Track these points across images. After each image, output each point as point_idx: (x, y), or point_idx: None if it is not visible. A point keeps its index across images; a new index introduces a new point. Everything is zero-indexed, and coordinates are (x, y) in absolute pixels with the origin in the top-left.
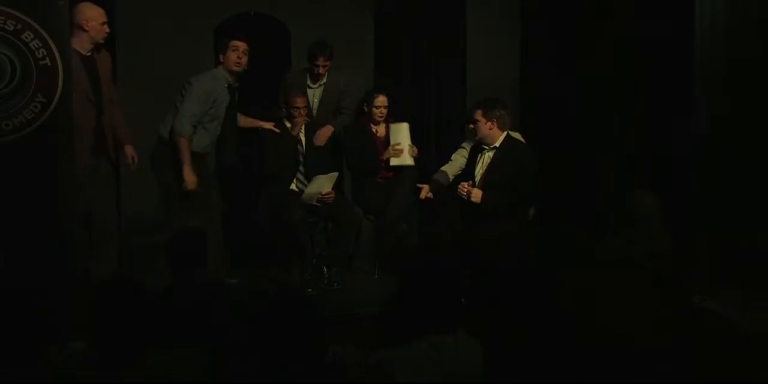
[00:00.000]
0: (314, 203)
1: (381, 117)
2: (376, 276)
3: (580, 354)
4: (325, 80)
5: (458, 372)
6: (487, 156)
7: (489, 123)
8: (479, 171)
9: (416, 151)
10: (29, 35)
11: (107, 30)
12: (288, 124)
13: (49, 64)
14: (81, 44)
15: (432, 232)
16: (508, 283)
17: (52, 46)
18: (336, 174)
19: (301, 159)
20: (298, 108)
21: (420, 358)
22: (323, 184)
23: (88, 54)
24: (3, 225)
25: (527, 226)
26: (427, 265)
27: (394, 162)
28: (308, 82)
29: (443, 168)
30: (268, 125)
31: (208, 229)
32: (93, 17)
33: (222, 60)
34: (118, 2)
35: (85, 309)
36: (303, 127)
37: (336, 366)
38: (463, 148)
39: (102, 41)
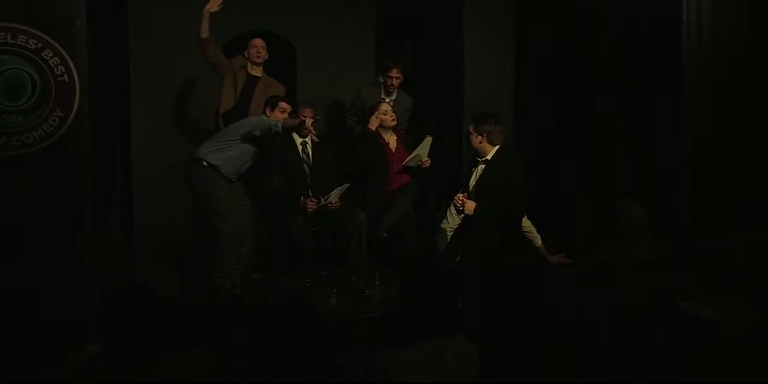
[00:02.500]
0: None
1: (394, 122)
2: (377, 282)
3: (570, 356)
4: (395, 96)
5: (456, 373)
6: (480, 168)
7: (480, 137)
8: (472, 183)
9: (427, 164)
10: (49, 53)
11: (258, 52)
12: (296, 138)
13: (67, 80)
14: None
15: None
16: (502, 288)
17: (70, 63)
18: (347, 185)
19: (307, 170)
20: (306, 118)
21: (421, 358)
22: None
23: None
24: (22, 234)
25: (520, 236)
26: (426, 272)
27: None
28: (382, 96)
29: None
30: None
31: (237, 234)
32: (249, 45)
33: (246, 55)
34: (131, 23)
35: (105, 313)
36: (310, 142)
37: (339, 368)
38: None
39: (255, 61)
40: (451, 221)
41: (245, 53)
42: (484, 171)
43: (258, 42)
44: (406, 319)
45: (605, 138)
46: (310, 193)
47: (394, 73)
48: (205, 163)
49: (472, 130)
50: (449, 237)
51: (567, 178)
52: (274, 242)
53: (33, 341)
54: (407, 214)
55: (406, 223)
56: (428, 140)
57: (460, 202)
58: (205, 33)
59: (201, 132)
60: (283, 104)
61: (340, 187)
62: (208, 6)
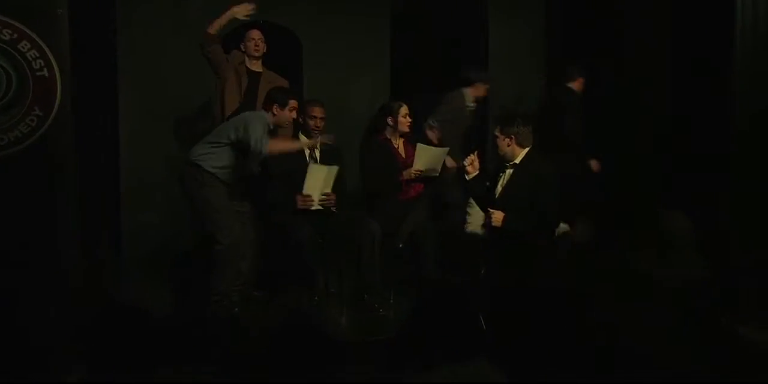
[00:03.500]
0: (316, 206)
1: (410, 127)
2: (391, 300)
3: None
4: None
5: None
6: (507, 173)
7: (507, 139)
8: (499, 189)
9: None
10: (26, 45)
11: (255, 44)
12: (303, 140)
13: (46, 75)
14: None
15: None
16: (533, 307)
17: (50, 56)
18: (336, 168)
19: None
20: (315, 117)
21: None
22: (322, 179)
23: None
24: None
25: (552, 247)
26: (444, 289)
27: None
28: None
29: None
30: (303, 143)
31: (236, 246)
32: (245, 38)
33: (243, 49)
34: (118, 14)
35: (90, 333)
36: (318, 145)
37: None
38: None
39: (254, 54)
40: (475, 217)
41: (242, 47)
42: (512, 176)
43: (255, 34)
44: (423, 341)
45: (645, 142)
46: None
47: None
48: (200, 167)
49: (498, 132)
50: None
51: (603, 185)
52: (278, 255)
53: (10, 363)
54: (424, 224)
55: (424, 234)
56: (444, 151)
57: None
58: (214, 30)
59: (197, 132)
60: (293, 102)
61: (328, 168)
62: (237, 9)
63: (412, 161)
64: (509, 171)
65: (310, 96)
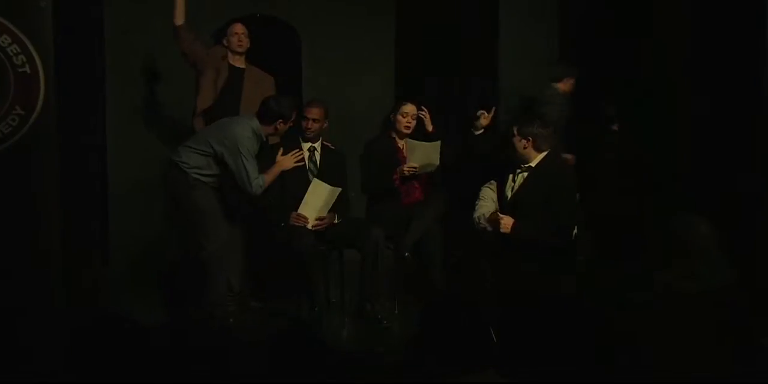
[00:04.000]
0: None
1: (408, 129)
2: (396, 311)
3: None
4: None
5: None
6: (521, 176)
7: (524, 141)
8: (510, 194)
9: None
10: (6, 40)
11: (239, 40)
12: (302, 142)
13: (28, 72)
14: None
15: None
16: (544, 318)
17: (33, 52)
18: (339, 190)
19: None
20: (308, 119)
21: None
22: (322, 199)
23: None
24: None
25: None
26: (453, 299)
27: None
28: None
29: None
30: (290, 161)
31: (232, 252)
32: (227, 33)
33: (225, 44)
34: (106, 8)
35: (76, 346)
36: (319, 149)
37: None
38: (488, 187)
39: (238, 50)
40: (483, 207)
41: (224, 41)
42: (526, 180)
43: (239, 28)
44: (430, 354)
45: (665, 144)
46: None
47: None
48: (183, 168)
49: (515, 133)
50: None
51: (618, 189)
52: (276, 262)
53: None
54: (431, 230)
55: (431, 241)
56: (436, 145)
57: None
58: (179, 19)
59: (188, 132)
60: (233, 28)
61: (331, 188)
62: None
63: None
64: (522, 175)
65: (309, 95)
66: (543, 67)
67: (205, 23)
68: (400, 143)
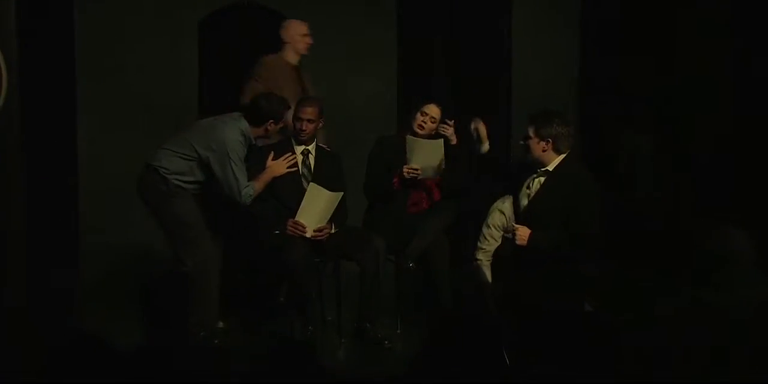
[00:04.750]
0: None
1: (421, 128)
2: (399, 330)
3: None
4: None
5: None
6: (537, 182)
7: (542, 143)
8: (525, 201)
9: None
10: None
11: (308, 41)
12: (295, 145)
13: None
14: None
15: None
16: (561, 337)
17: None
18: (340, 194)
19: (306, 187)
20: (302, 120)
21: None
22: (320, 206)
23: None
24: None
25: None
26: (462, 317)
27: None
28: None
29: (480, 253)
30: (282, 167)
31: (207, 267)
32: (294, 31)
33: (269, 128)
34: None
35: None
36: (313, 152)
37: None
38: (499, 210)
39: (305, 52)
40: (487, 246)
41: (288, 43)
42: (544, 185)
43: (306, 28)
44: (436, 378)
45: (698, 148)
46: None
47: None
48: (162, 173)
49: (532, 134)
50: (488, 272)
51: (646, 196)
52: (266, 276)
53: None
54: (438, 241)
55: (437, 254)
56: (438, 143)
57: (512, 229)
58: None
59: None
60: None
61: (331, 194)
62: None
63: None
64: (539, 180)
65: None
66: (560, 55)
67: (193, 10)
68: None
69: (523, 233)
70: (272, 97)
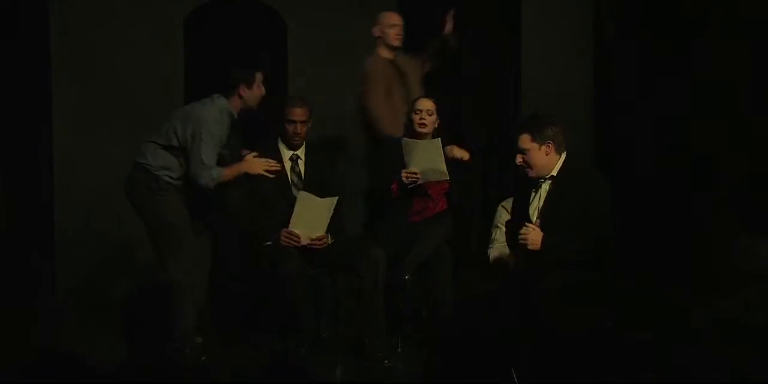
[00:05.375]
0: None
1: (423, 127)
2: (399, 349)
3: None
4: None
5: None
6: (544, 189)
7: (544, 147)
8: (535, 209)
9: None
10: None
11: (398, 32)
12: (284, 150)
13: None
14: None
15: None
16: (576, 354)
17: None
18: (335, 200)
19: (296, 194)
20: (294, 122)
21: None
22: (315, 214)
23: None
24: None
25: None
26: (467, 334)
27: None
28: None
29: (494, 246)
30: (259, 166)
31: (191, 273)
32: (382, 23)
33: (242, 93)
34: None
35: None
36: (303, 157)
37: None
38: (504, 208)
39: (397, 43)
40: (499, 237)
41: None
42: (551, 191)
43: (396, 18)
44: None
45: (720, 153)
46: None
47: None
48: (150, 170)
49: (530, 142)
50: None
51: (664, 205)
52: (257, 289)
53: None
54: (440, 252)
55: (438, 265)
56: (436, 143)
57: (522, 235)
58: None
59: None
60: (259, 76)
61: (323, 200)
62: None
63: None
64: (545, 186)
65: (296, 89)
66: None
67: (179, 6)
68: None
69: (534, 236)
70: (237, 65)
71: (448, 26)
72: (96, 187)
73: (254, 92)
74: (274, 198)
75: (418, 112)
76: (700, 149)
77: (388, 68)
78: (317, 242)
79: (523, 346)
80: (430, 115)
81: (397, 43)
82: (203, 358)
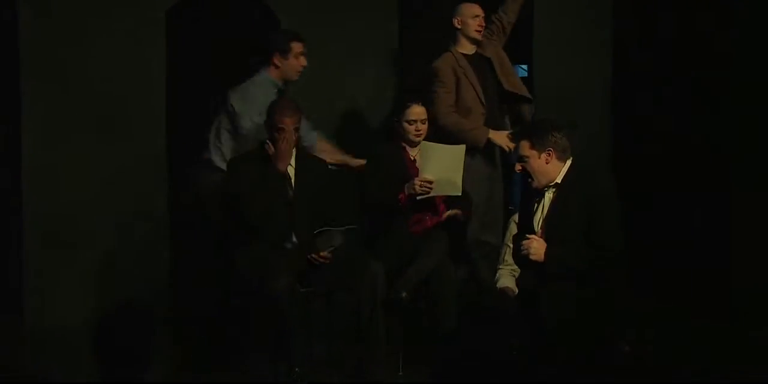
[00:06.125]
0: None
1: (419, 136)
2: (401, 373)
3: None
4: None
5: None
6: (547, 198)
7: (544, 155)
8: (539, 219)
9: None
10: None
11: (480, 23)
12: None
13: None
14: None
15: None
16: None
17: None
18: (354, 227)
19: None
20: (282, 129)
21: None
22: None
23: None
24: None
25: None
26: (470, 355)
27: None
28: None
29: (503, 268)
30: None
31: None
32: (463, 14)
33: (277, 64)
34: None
35: None
36: (294, 164)
37: None
38: (514, 222)
39: (477, 36)
40: (509, 258)
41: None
42: (555, 199)
43: (478, 9)
44: None
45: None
46: (294, 240)
47: None
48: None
49: (529, 149)
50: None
51: (691, 214)
52: (244, 310)
53: None
54: (442, 266)
55: (441, 281)
56: (460, 149)
57: (525, 245)
58: None
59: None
60: (296, 45)
61: (336, 229)
62: None
63: None
64: (549, 195)
65: (290, 89)
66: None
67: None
68: (412, 153)
69: (538, 246)
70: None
71: None
72: (71, 210)
73: (290, 63)
74: (266, 207)
75: (412, 122)
76: (719, 152)
77: (466, 67)
78: (319, 257)
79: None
80: (423, 124)
81: (478, 35)
82: None
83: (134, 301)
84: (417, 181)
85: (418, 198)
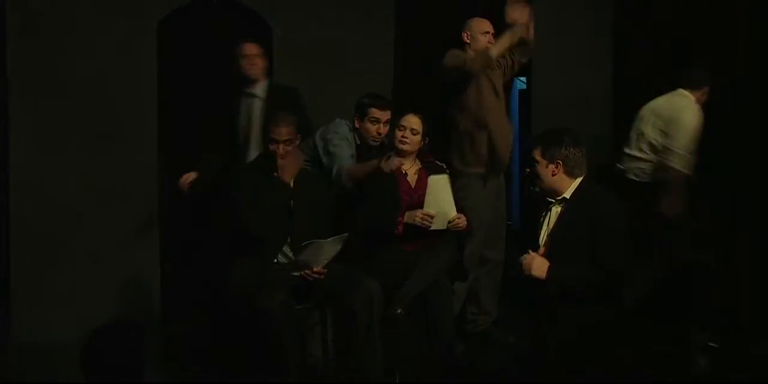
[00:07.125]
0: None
1: (404, 143)
2: None
3: None
4: None
5: None
6: (554, 212)
7: (551, 166)
8: (544, 234)
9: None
10: None
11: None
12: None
13: None
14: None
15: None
16: None
17: None
18: (345, 236)
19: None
20: (276, 141)
21: None
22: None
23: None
24: None
25: (624, 315)
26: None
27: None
28: None
29: None
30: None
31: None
32: (473, 29)
33: (357, 126)
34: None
35: None
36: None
37: None
38: None
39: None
40: None
41: (466, 42)
42: (561, 216)
43: (488, 25)
44: None
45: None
46: (289, 254)
47: None
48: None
49: (539, 157)
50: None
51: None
52: (238, 326)
53: None
54: (439, 284)
55: (438, 298)
56: (444, 180)
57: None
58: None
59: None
60: (374, 112)
61: (324, 241)
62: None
63: (423, 193)
64: (555, 209)
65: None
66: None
67: (152, 8)
68: (406, 168)
69: (540, 264)
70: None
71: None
72: (61, 223)
73: (364, 126)
74: (276, 209)
75: (402, 128)
76: (726, 161)
77: (479, 83)
78: (312, 273)
79: None
80: (414, 135)
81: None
82: None
83: (125, 313)
84: (419, 214)
85: (419, 223)
